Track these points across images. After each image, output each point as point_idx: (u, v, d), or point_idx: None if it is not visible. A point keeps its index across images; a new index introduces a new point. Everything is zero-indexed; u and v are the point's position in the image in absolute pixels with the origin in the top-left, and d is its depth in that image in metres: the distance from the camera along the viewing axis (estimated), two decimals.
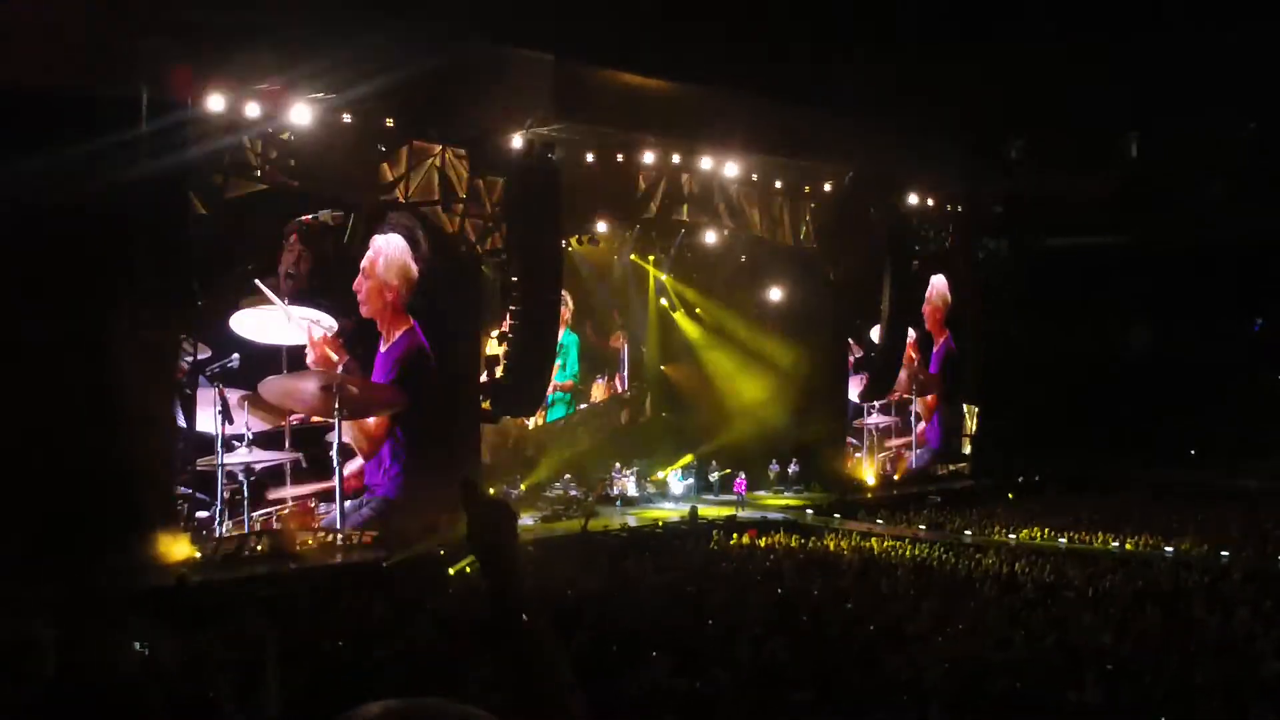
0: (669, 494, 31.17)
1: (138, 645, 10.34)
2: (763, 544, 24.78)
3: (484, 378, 25.03)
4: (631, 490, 30.44)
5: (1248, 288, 37.45)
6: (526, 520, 26.60)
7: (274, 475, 22.44)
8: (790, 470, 32.96)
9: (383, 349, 23.74)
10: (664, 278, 33.88)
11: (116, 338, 19.64)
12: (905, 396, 35.57)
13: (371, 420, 23.71)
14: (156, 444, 20.24)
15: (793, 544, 24.89)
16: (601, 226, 28.91)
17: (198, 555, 20.53)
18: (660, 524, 26.92)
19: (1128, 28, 37.70)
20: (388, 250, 23.79)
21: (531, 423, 30.65)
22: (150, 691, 3.75)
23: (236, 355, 21.54)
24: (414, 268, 23.98)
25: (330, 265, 23.14)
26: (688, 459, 32.20)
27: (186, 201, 20.24)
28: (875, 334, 33.52)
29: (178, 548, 20.14)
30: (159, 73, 18.95)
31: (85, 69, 18.22)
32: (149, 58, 18.72)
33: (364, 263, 23.49)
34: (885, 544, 24.93)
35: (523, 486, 28.79)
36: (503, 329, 24.84)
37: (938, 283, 36.46)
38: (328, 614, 16.98)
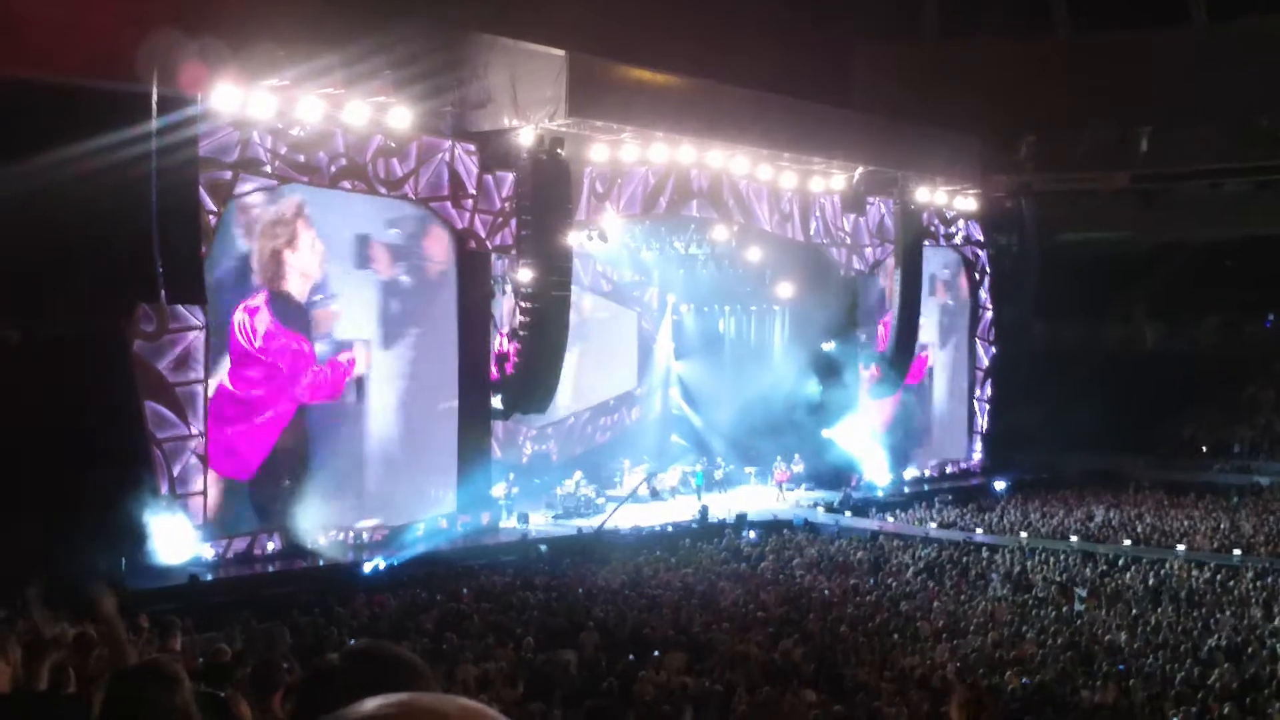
0: (680, 492, 31.08)
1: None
2: (773, 542, 24.74)
3: (494, 375, 24.99)
4: (642, 488, 30.35)
5: (1260, 284, 37.25)
6: (538, 519, 26.58)
7: None
8: (799, 468, 32.84)
9: None
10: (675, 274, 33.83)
11: (129, 335, 19.72)
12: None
13: None
14: (171, 441, 20.28)
15: (804, 542, 24.84)
16: (612, 222, 28.71)
17: (212, 554, 20.58)
18: (671, 523, 26.87)
19: (1142, 23, 37.61)
20: None
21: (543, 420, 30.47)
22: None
23: None
24: None
25: None
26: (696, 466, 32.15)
27: (197, 197, 20.19)
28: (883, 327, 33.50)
29: (192, 545, 20.19)
30: (170, 68, 18.93)
31: (95, 64, 18.19)
32: (159, 53, 18.70)
33: None
34: (896, 542, 24.86)
35: None
36: (513, 325, 24.79)
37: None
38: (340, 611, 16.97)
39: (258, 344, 21.90)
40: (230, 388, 21.54)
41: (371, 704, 1.80)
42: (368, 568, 20.77)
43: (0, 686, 5.18)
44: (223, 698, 6.57)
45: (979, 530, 26.43)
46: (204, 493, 20.73)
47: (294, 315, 22.52)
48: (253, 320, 21.82)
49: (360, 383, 23.34)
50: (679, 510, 28.50)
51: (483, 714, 1.80)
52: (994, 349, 37.57)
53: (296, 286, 22.56)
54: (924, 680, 13.71)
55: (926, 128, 31.98)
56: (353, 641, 14.29)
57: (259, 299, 21.97)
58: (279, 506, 21.88)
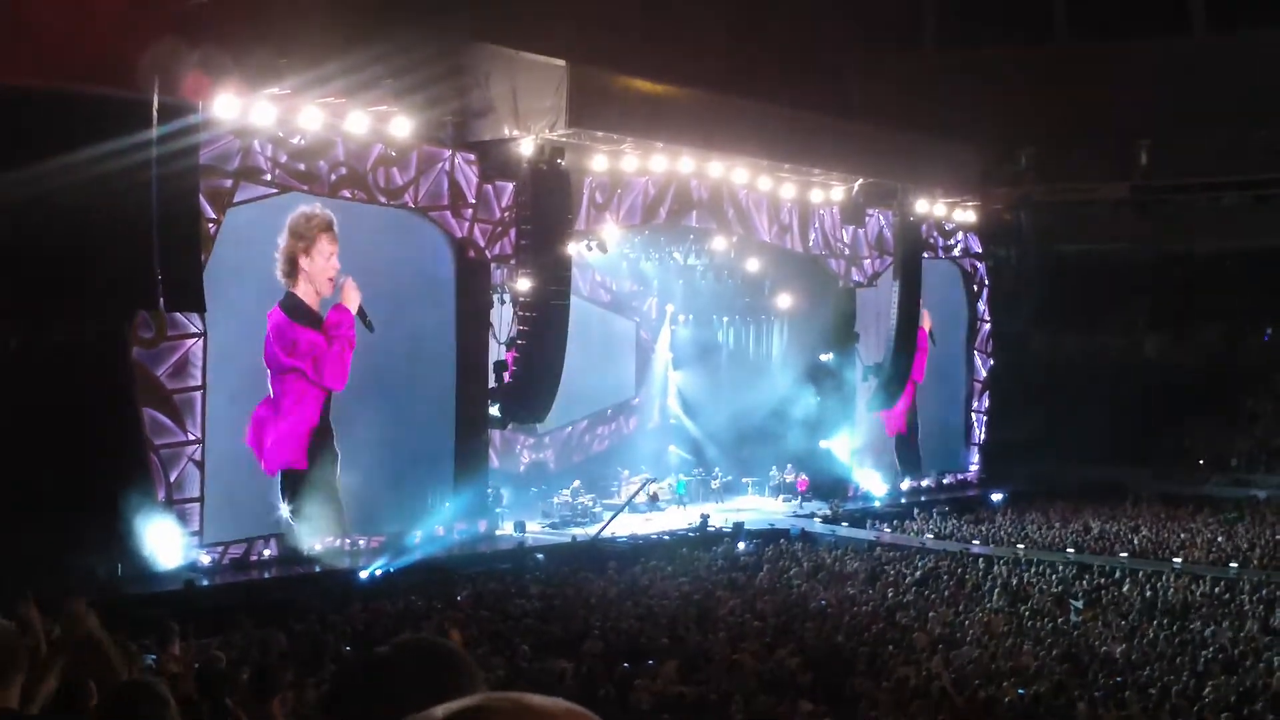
0: (677, 501, 31.06)
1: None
2: (770, 552, 24.74)
3: (492, 384, 25.01)
4: (640, 497, 30.33)
5: (1260, 296, 37.29)
6: (535, 528, 26.59)
7: None
8: (794, 478, 32.80)
9: None
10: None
11: (128, 342, 19.76)
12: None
13: None
14: (168, 448, 20.32)
15: (800, 552, 24.84)
16: (611, 232, 28.71)
17: (207, 560, 20.59)
18: (668, 532, 26.87)
19: (1142, 33, 37.68)
20: None
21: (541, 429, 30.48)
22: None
23: None
24: None
25: None
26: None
27: (198, 205, 20.21)
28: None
29: (188, 551, 20.21)
30: (171, 77, 18.98)
31: (97, 72, 18.24)
32: (161, 62, 18.75)
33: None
34: (892, 553, 24.87)
35: None
36: (512, 335, 24.84)
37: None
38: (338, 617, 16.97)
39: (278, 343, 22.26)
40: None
41: (475, 700, 1.81)
42: (365, 575, 20.79)
43: (9, 701, 5.14)
44: (227, 705, 6.58)
45: (976, 541, 26.42)
46: (200, 499, 20.75)
47: (305, 314, 22.62)
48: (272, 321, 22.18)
49: (364, 313, 22.88)
50: (677, 519, 28.52)
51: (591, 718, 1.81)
52: (991, 360, 37.58)
53: (306, 296, 22.64)
54: (920, 690, 13.72)
55: (926, 139, 32.00)
56: (348, 649, 14.30)
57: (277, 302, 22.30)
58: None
